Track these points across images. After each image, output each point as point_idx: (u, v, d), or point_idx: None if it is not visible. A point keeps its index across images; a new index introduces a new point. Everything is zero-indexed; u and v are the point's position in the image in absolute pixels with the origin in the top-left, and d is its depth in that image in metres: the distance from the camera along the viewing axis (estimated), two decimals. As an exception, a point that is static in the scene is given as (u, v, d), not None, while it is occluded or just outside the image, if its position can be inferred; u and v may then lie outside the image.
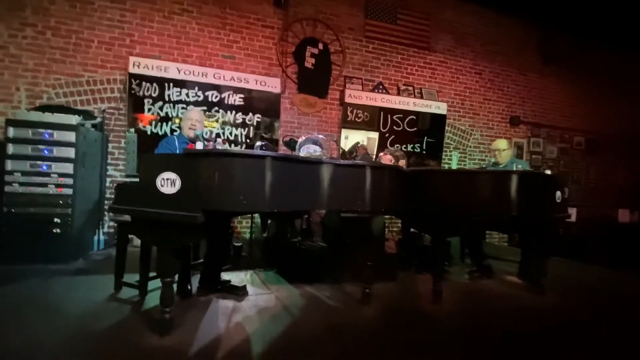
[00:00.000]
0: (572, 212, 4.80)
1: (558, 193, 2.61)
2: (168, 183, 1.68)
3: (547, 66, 5.95)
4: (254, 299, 2.41)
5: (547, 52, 5.88)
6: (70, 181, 2.99)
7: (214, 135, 4.01)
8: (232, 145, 4.18)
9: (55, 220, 2.92)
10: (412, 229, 3.47)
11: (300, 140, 2.90)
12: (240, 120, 4.24)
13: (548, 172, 2.79)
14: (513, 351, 1.86)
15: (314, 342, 1.84)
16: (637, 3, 4.67)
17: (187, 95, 3.99)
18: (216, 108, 4.13)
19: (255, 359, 1.65)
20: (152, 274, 2.38)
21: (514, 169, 2.88)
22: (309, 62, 4.58)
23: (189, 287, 2.43)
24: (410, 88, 5.15)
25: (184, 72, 3.98)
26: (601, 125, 6.26)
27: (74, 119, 3.07)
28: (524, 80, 5.88)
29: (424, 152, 5.09)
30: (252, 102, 4.27)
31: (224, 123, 4.18)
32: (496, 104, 5.70)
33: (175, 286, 2.12)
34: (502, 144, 3.28)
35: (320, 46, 4.63)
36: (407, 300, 2.59)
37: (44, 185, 2.92)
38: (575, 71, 6.04)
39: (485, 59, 5.60)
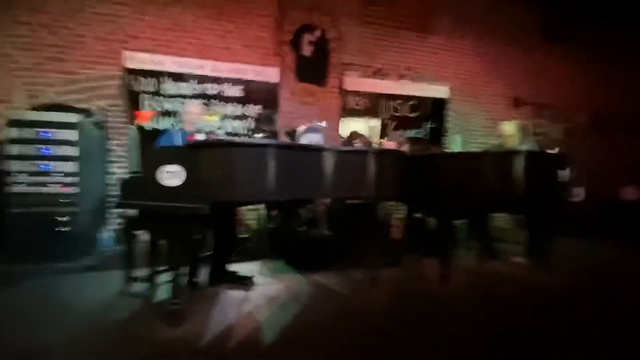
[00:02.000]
0: (579, 191, 4.77)
1: (563, 172, 2.59)
2: (172, 176, 1.67)
3: (549, 45, 5.82)
4: (263, 289, 2.43)
5: (550, 30, 5.74)
6: (74, 179, 2.99)
7: (215, 128, 4.01)
8: (233, 137, 4.15)
9: (62, 219, 2.94)
10: (417, 214, 3.47)
11: (299, 129, 2.87)
12: (240, 112, 4.20)
13: (553, 151, 2.75)
14: (521, 333, 1.88)
15: (324, 330, 1.86)
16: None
17: (185, 88, 3.95)
18: (215, 100, 4.09)
19: (265, 348, 1.67)
20: (161, 268, 2.40)
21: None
22: (307, 50, 4.51)
23: (198, 279, 2.45)
24: (411, 72, 5.07)
25: (181, 65, 3.93)
26: (606, 103, 6.16)
27: (74, 117, 3.05)
28: (526, 60, 5.76)
29: (427, 137, 5.04)
30: (251, 93, 4.22)
31: (224, 116, 4.14)
32: (498, 85, 5.61)
33: (184, 278, 2.14)
34: (509, 128, 2.99)
35: (318, 33, 4.55)
36: (414, 285, 2.61)
37: (49, 184, 2.92)
38: (579, 49, 5.90)
39: (486, 40, 5.48)
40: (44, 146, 2.92)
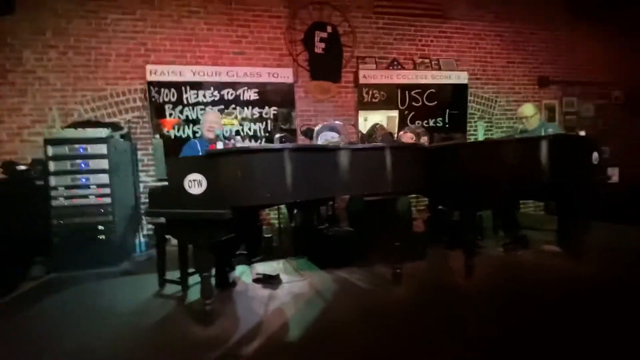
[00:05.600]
0: (614, 172, 4.49)
1: (595, 154, 2.46)
2: (195, 184, 1.75)
3: (576, 18, 5.47)
4: (288, 287, 2.50)
5: (576, 5, 5.39)
6: (107, 190, 3.19)
7: (234, 133, 4.11)
8: (252, 140, 4.25)
9: (99, 227, 3.15)
10: (440, 206, 3.42)
11: (316, 128, 2.90)
12: (257, 114, 4.29)
13: (582, 133, 2.62)
14: (550, 324, 1.82)
15: (349, 325, 1.89)
16: None
17: (204, 96, 4.08)
18: (233, 105, 4.20)
19: (293, 343, 1.73)
20: (191, 270, 2.53)
21: (543, 133, 2.74)
22: (319, 47, 4.51)
23: (228, 279, 2.55)
24: (427, 60, 4.95)
25: (199, 74, 4.06)
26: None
27: (103, 132, 3.25)
28: (550, 36, 5.46)
29: (447, 125, 4.92)
30: (267, 95, 4.29)
31: (243, 119, 4.25)
32: (521, 65, 5.36)
33: (214, 279, 2.24)
34: (528, 110, 3.12)
35: (329, 29, 4.54)
36: (439, 278, 2.58)
37: (86, 196, 3.14)
38: (609, 20, 5.49)
39: (505, 19, 5.24)
40: (78, 161, 3.13)
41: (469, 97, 5.02)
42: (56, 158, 3.10)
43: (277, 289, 2.46)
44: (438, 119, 4.90)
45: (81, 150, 3.14)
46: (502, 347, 1.60)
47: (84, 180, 3.15)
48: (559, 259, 2.78)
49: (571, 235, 2.80)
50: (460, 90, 4.94)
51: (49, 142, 3.11)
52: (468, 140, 4.82)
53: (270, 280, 2.57)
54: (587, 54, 5.59)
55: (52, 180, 3.09)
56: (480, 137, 4.57)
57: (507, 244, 3.11)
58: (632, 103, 5.68)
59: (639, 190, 4.05)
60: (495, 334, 1.72)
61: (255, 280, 2.61)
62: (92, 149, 3.16)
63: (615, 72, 5.67)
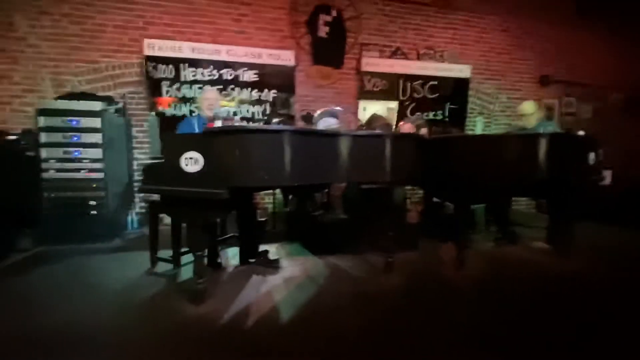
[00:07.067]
0: (607, 174, 4.54)
1: (591, 155, 2.48)
2: (191, 162, 1.72)
3: (581, 17, 5.43)
4: (281, 270, 2.50)
5: (584, 2, 5.33)
6: (100, 165, 3.13)
7: (232, 114, 4.05)
8: (249, 123, 4.19)
9: (91, 202, 3.10)
10: (434, 199, 3.43)
11: (316, 113, 2.86)
12: (256, 97, 4.21)
13: (581, 133, 2.63)
14: (536, 317, 1.86)
15: (340, 310, 1.90)
16: None
17: (202, 74, 3.98)
18: (231, 86, 4.11)
19: (283, 325, 1.74)
20: (184, 249, 2.51)
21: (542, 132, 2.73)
22: (323, 31, 4.41)
23: (219, 260, 2.55)
24: (431, 51, 4.88)
25: (197, 51, 3.95)
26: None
27: (97, 106, 3.16)
28: (555, 35, 5.41)
29: (447, 119, 4.90)
30: (267, 77, 4.21)
31: (241, 101, 4.17)
32: (524, 63, 5.33)
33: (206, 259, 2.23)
34: (528, 107, 3.10)
35: (334, 13, 4.43)
36: (430, 269, 2.61)
37: (77, 170, 3.08)
38: (614, 21, 5.47)
39: (512, 15, 5.18)
40: (71, 133, 3.05)
41: (470, 92, 4.99)
42: (48, 129, 3.02)
43: (271, 272, 2.46)
44: (438, 112, 4.88)
45: (74, 123, 3.06)
46: (488, 335, 1.63)
47: (76, 153, 3.08)
48: (548, 256, 2.83)
49: (561, 233, 2.84)
50: (462, 84, 4.91)
51: (40, 112, 3.02)
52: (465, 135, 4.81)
53: (270, 264, 2.55)
54: (592, 55, 5.58)
55: (43, 152, 3.02)
56: (478, 133, 4.57)
57: (498, 238, 3.15)
58: (631, 106, 5.71)
59: (631, 193, 4.11)
60: (482, 324, 1.75)
61: (260, 263, 2.60)
62: (85, 122, 3.08)
63: (616, 75, 5.67)
